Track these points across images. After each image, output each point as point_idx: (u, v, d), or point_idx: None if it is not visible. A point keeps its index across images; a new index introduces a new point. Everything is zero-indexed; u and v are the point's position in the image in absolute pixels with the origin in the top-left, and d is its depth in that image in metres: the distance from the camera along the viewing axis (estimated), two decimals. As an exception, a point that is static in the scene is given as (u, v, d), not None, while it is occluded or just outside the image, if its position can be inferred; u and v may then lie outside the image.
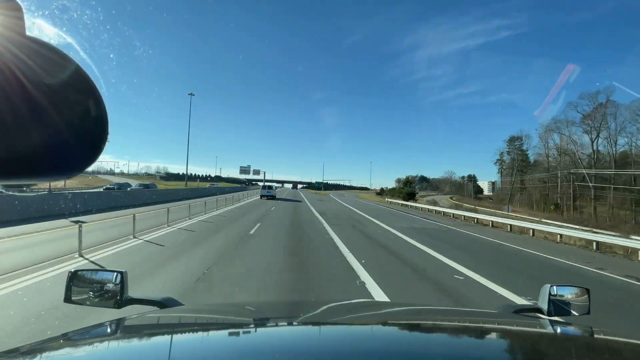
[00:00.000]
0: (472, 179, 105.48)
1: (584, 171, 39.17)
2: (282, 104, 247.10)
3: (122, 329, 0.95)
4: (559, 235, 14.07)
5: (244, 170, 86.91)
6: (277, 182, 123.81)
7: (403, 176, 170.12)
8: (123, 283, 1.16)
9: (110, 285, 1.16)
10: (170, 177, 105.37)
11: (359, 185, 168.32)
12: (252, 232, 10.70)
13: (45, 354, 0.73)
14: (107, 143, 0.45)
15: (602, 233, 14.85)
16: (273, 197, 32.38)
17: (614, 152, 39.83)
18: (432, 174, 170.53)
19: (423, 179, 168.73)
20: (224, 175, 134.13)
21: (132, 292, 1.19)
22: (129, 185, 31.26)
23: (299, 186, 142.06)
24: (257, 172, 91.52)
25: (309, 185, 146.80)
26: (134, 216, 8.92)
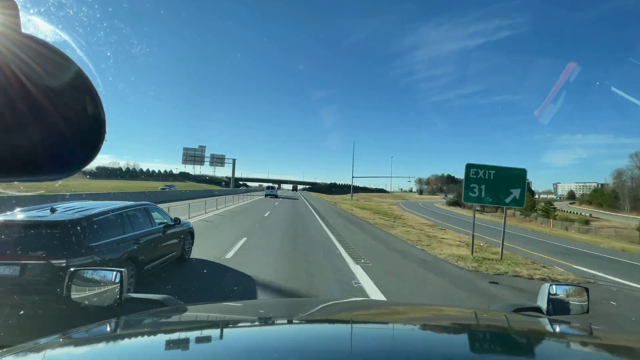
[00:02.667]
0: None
1: None
2: (282, 104, 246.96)
3: (121, 328, 0.97)
4: None
5: (194, 155, 52.34)
6: (274, 182, 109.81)
7: (425, 176, 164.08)
8: (122, 282, 1.16)
9: (110, 284, 1.17)
10: (101, 172, 74.05)
11: (373, 187, 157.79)
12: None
13: (45, 353, 0.74)
14: (104, 142, 0.44)
15: None
16: (275, 196, 38.34)
17: None
18: (456, 172, 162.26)
19: (451, 179, 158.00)
20: (205, 173, 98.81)
21: None
22: None
23: (300, 187, 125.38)
24: (219, 159, 56.31)
25: (313, 187, 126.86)
26: None
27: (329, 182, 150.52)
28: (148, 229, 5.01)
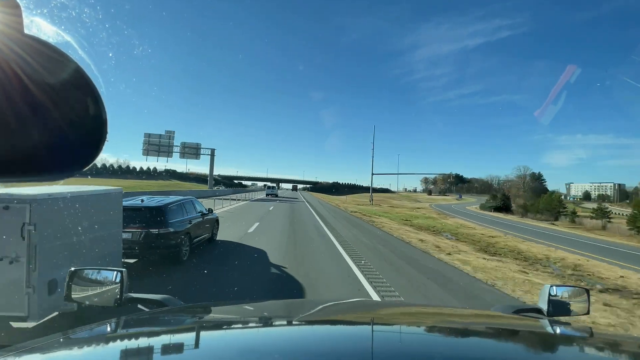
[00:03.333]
0: (538, 177, 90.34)
1: None
2: (282, 103, 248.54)
3: (122, 328, 0.98)
4: None
5: (159, 144, 38.86)
6: (273, 180, 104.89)
7: (432, 174, 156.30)
8: (123, 282, 1.17)
9: (110, 284, 1.17)
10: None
11: (377, 187, 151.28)
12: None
13: (45, 353, 0.75)
14: (106, 142, 0.45)
15: None
16: (276, 196, 41.62)
17: None
18: (463, 172, 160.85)
19: (460, 179, 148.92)
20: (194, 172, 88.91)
21: None
22: None
23: (299, 186, 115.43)
24: (192, 149, 41.72)
25: (315, 187, 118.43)
26: None
27: (331, 181, 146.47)
28: (194, 215, 7.19)
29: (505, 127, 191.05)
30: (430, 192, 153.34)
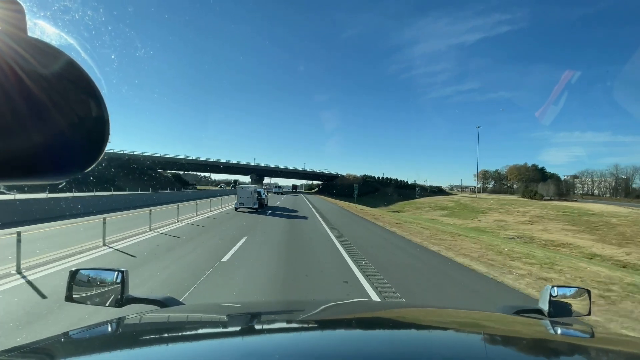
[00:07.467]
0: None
1: None
2: (283, 102, 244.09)
3: (122, 328, 1.04)
4: None
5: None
6: (261, 171, 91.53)
7: (493, 168, 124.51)
8: (124, 282, 1.27)
9: (111, 285, 1.26)
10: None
11: (435, 187, 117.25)
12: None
13: (45, 353, 0.80)
14: (108, 144, 0.49)
15: None
16: (281, 193, 58.86)
17: None
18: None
19: (543, 174, 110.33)
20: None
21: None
22: None
23: (298, 183, 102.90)
24: None
25: (325, 184, 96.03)
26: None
27: (359, 174, 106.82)
28: (264, 194, 30.42)
29: (502, 125, 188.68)
30: (538, 195, 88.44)
